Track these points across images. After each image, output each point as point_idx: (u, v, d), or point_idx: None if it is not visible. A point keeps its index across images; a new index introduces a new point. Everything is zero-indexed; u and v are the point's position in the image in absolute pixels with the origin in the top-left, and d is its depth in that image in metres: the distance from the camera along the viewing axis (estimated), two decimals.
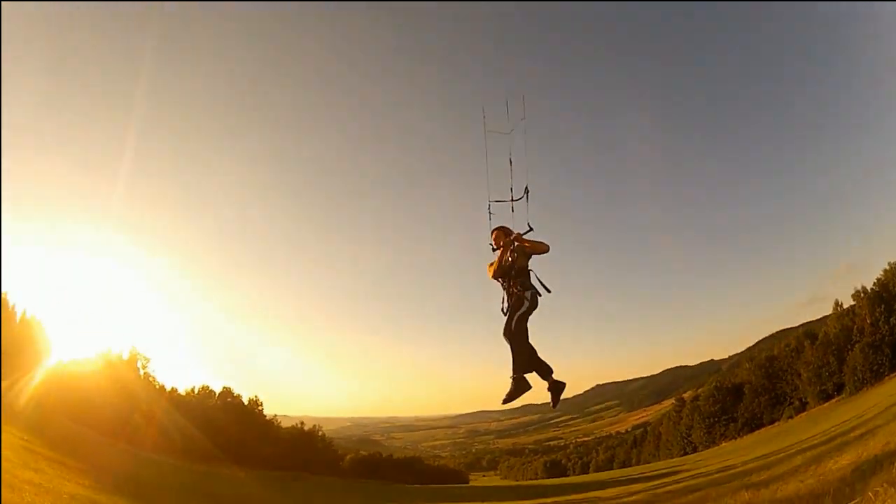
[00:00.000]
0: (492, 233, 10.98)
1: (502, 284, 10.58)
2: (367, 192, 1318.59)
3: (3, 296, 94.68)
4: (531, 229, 10.22)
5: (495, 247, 10.88)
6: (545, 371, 10.68)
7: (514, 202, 10.35)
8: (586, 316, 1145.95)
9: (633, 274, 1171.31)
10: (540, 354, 10.54)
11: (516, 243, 10.43)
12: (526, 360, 10.38)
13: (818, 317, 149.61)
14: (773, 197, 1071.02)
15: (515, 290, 10.43)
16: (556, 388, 10.99)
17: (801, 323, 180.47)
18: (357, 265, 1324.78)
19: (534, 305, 10.47)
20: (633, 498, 26.11)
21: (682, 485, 48.59)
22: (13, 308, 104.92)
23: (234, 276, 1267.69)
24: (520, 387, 10.50)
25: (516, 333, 10.23)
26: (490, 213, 10.68)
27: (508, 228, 10.69)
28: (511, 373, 10.44)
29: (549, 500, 60.47)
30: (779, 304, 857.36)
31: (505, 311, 10.43)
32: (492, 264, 10.65)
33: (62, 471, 30.86)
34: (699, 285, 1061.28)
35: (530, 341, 10.36)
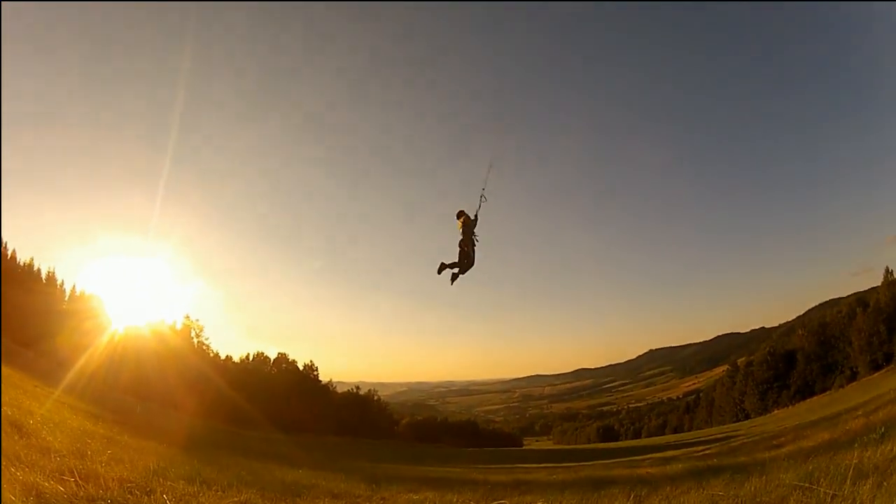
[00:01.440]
0: (458, 214, 19.59)
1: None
2: (418, 153, 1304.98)
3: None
4: (485, 200, 19.33)
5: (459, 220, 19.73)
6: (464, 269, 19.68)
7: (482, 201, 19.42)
8: (639, 280, 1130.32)
9: (686, 240, 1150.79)
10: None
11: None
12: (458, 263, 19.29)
13: (867, 287, 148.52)
14: (825, 166, 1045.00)
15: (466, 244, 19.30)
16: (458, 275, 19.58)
17: (850, 293, 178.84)
18: (412, 232, 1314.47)
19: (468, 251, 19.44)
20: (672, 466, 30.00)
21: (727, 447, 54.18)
22: (62, 284, 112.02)
23: (288, 247, 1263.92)
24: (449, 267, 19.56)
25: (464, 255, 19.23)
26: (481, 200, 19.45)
27: (463, 212, 19.47)
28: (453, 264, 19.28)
29: (599, 462, 62.60)
30: (828, 274, 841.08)
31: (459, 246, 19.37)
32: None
33: (92, 419, 33.06)
34: (749, 252, 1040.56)
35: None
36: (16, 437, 14.20)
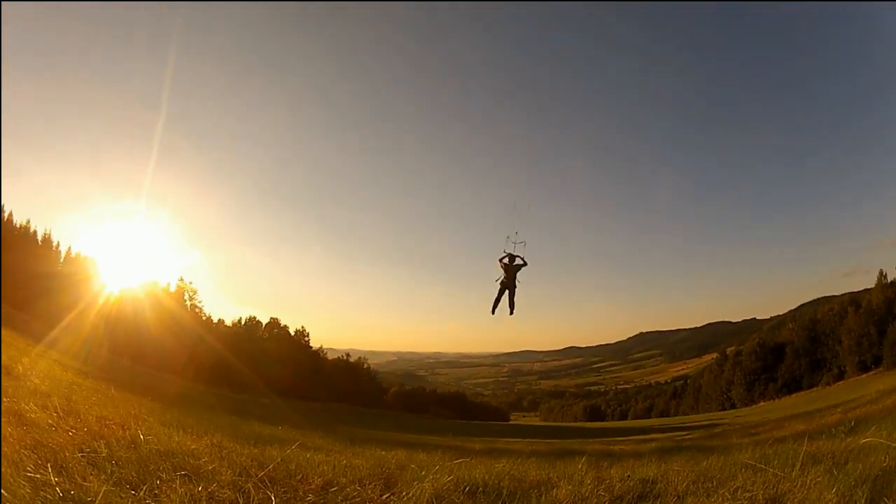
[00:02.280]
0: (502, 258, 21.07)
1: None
2: (410, 125, 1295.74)
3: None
4: (523, 242, 20.92)
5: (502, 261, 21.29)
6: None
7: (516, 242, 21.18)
8: (632, 262, 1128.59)
9: (682, 228, 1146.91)
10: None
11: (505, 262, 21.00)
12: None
13: (859, 288, 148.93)
14: (827, 165, 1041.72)
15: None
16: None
17: (843, 292, 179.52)
18: (403, 200, 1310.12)
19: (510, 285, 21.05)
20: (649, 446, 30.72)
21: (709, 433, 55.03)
22: (57, 246, 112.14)
23: (283, 215, 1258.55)
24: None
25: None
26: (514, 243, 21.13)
27: (511, 254, 21.04)
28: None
29: (580, 439, 64.43)
30: (822, 272, 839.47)
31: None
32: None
33: (82, 376, 33.80)
34: (745, 243, 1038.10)
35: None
36: (6, 379, 14.63)
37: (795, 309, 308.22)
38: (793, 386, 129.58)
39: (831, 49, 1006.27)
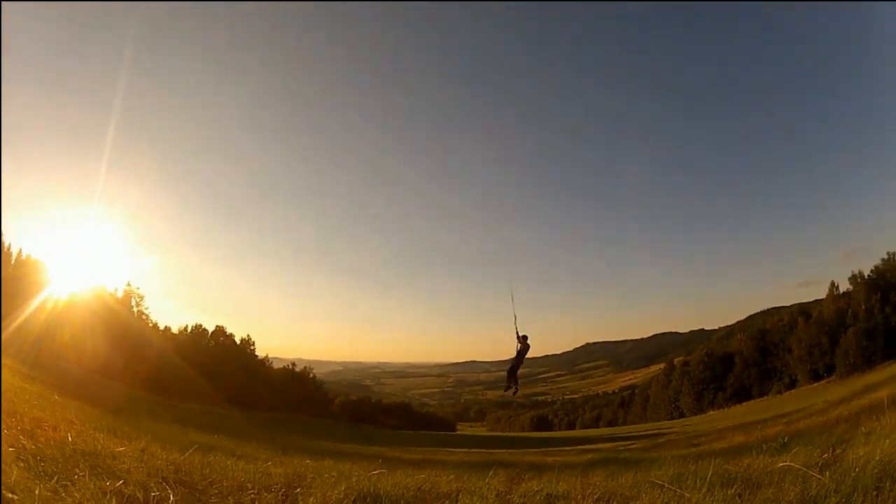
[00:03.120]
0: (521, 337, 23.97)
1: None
2: (368, 135, 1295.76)
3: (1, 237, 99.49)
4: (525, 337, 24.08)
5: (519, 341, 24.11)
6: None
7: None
8: (580, 273, 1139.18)
9: (628, 236, 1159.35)
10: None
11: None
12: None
13: (811, 299, 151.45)
14: (781, 178, 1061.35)
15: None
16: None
17: (793, 303, 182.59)
18: (350, 211, 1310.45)
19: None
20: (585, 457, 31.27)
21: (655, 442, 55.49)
22: (9, 248, 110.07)
23: (228, 221, 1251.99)
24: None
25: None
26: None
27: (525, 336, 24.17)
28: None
29: (520, 450, 64.25)
30: (772, 283, 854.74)
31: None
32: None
33: (28, 380, 33.43)
34: (693, 254, 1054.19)
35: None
36: None
37: (744, 320, 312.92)
38: (742, 395, 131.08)
39: (789, 64, 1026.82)
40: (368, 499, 9.39)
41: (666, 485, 9.24)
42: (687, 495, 8.42)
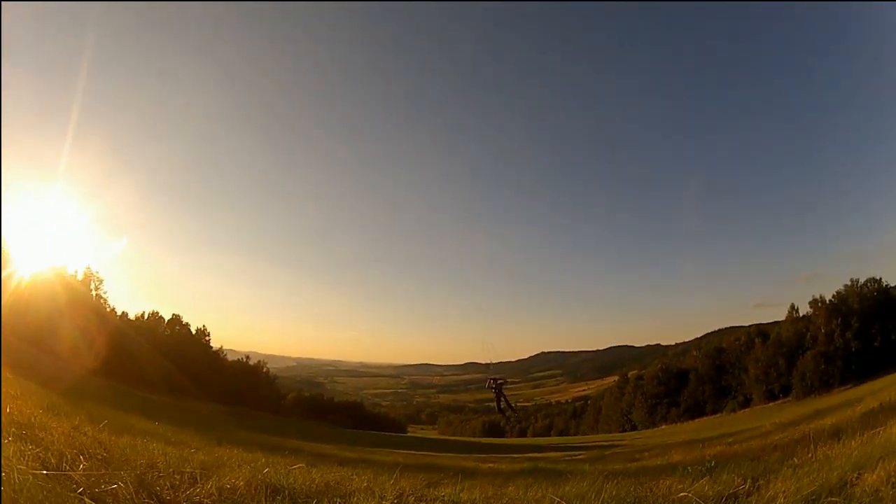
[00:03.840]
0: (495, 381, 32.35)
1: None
2: (332, 129, 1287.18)
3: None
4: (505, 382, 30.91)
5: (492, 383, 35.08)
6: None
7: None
8: (538, 281, 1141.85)
9: (588, 248, 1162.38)
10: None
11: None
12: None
13: (768, 320, 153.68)
14: (744, 199, 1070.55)
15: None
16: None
17: (751, 323, 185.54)
18: (314, 203, 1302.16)
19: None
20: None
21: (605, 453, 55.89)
22: None
23: (192, 209, 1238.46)
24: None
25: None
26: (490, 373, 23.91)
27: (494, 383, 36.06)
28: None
29: (463, 454, 64.49)
30: (729, 302, 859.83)
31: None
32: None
33: None
34: (650, 268, 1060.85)
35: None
36: None
37: (701, 337, 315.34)
38: (696, 411, 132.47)
39: (750, 85, 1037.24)
40: (269, 489, 9.41)
41: (563, 502, 9.22)
42: None
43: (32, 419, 11.55)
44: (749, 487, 10.74)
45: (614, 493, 10.25)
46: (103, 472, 8.97)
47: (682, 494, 10.49)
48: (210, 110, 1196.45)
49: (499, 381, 23.80)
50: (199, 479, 9.67)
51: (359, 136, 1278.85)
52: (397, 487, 10.37)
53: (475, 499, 9.92)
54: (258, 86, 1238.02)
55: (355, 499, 9.35)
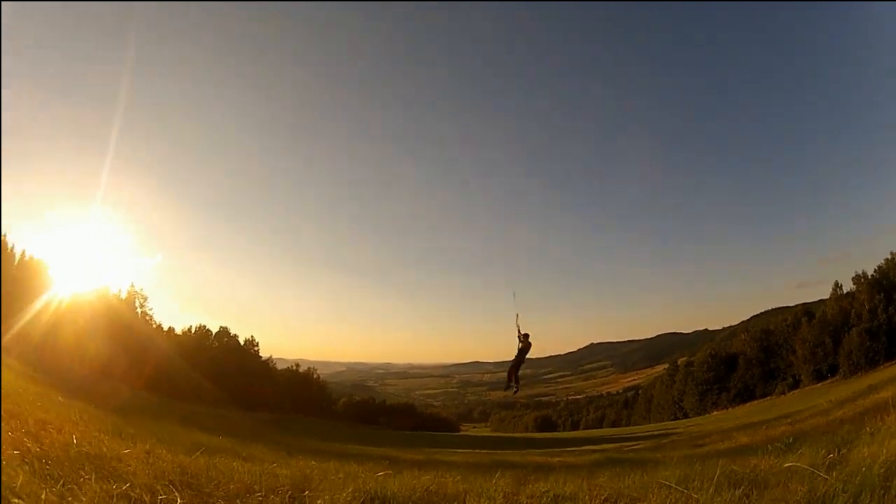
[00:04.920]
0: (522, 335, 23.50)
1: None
2: (372, 133, 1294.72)
3: (3, 238, 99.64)
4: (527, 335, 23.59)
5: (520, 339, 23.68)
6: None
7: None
8: (583, 273, 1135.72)
9: (632, 240, 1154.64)
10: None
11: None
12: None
13: (813, 300, 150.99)
14: (780, 177, 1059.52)
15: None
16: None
17: (796, 303, 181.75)
18: (356, 211, 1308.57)
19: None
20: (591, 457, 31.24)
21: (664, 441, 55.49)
22: (12, 249, 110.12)
23: (231, 222, 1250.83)
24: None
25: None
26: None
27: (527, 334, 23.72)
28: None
29: (522, 450, 64.14)
30: (773, 284, 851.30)
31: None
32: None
33: (30, 380, 34.48)
34: (696, 255, 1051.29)
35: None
36: None
37: (747, 320, 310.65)
38: (746, 395, 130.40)
39: (789, 64, 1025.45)
40: (377, 501, 9.34)
41: (673, 486, 9.23)
42: (695, 496, 8.40)
43: (103, 448, 11.15)
44: (834, 457, 10.77)
45: (718, 472, 10.01)
46: None
47: (788, 465, 10.49)
48: (247, 127, 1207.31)
49: (526, 336, 21.93)
50: (295, 497, 9.53)
51: (400, 141, 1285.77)
52: (499, 487, 10.40)
53: (576, 491, 9.92)
54: (295, 99, 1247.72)
55: (469, 502, 9.40)
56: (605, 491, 9.58)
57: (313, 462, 17.78)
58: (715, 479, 9.34)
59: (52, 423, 13.44)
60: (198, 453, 13.83)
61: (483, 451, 59.84)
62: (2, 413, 12.40)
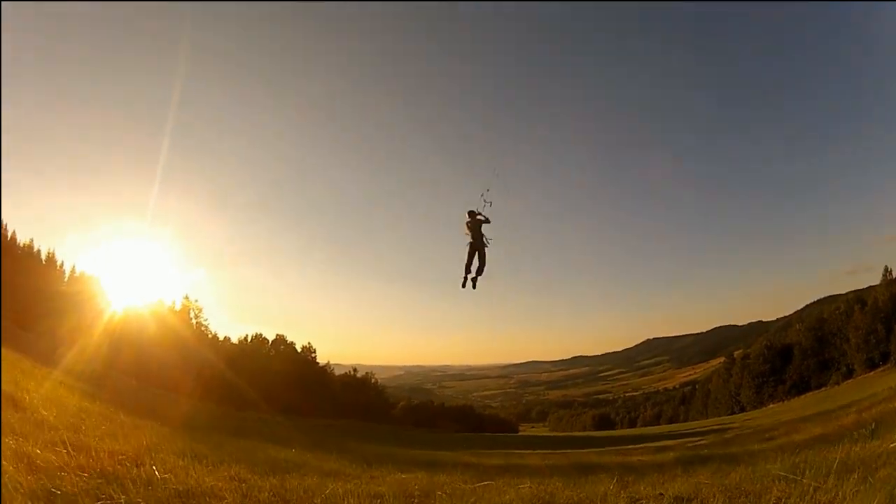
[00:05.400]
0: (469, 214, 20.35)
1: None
2: (420, 140, 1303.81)
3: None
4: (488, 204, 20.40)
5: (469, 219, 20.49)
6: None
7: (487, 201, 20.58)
8: (638, 271, 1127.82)
9: (684, 234, 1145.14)
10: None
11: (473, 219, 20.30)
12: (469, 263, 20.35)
13: (865, 285, 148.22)
14: (824, 165, 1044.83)
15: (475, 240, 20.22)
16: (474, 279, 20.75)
17: (848, 290, 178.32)
18: (405, 214, 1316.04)
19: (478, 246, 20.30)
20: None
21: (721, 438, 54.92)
22: (62, 266, 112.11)
23: (284, 232, 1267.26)
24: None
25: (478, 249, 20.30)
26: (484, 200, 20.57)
27: (472, 210, 20.33)
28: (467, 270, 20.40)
29: (592, 450, 63.64)
30: (826, 271, 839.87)
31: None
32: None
33: (89, 398, 32.97)
34: (748, 248, 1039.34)
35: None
36: (12, 412, 14.26)
37: (801, 310, 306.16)
38: (802, 386, 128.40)
39: (830, 48, 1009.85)
40: None
41: (790, 476, 9.21)
42: (816, 484, 8.42)
43: (190, 480, 10.27)
44: None
45: (821, 461, 10.12)
46: None
47: (893, 445, 10.53)
48: (300, 136, 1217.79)
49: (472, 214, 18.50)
50: None
51: (454, 140, 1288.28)
52: (610, 492, 10.28)
53: (691, 490, 9.77)
54: (346, 112, 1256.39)
55: None
56: (720, 488, 9.51)
57: (401, 474, 16.29)
58: (834, 467, 9.29)
59: (125, 454, 12.25)
60: (278, 471, 13.83)
61: (550, 451, 59.47)
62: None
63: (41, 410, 16.54)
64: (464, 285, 20.12)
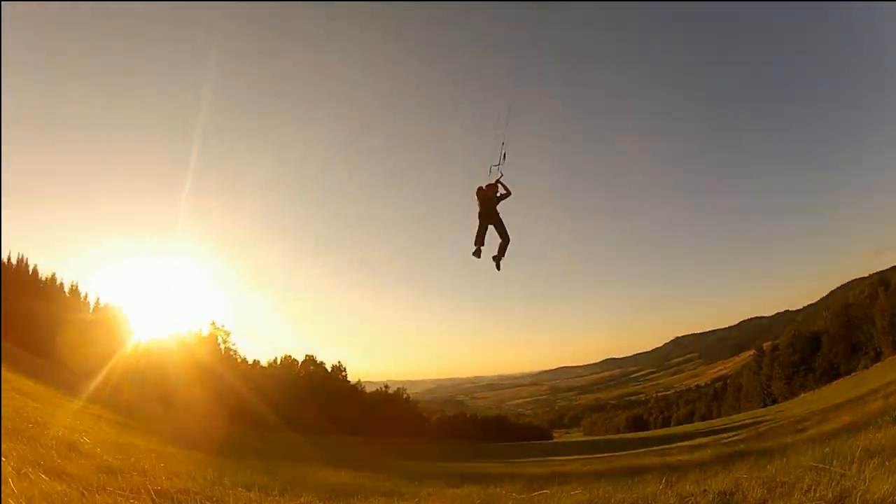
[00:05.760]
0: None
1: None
2: (446, 154, 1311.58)
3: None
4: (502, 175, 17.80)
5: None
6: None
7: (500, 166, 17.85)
8: (663, 268, 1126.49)
9: (706, 228, 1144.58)
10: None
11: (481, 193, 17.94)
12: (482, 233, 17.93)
13: (888, 266, 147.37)
14: (842, 150, 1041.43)
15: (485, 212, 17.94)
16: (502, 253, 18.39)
17: (871, 272, 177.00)
18: (436, 233, 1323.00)
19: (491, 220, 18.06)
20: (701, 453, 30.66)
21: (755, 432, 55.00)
22: (85, 297, 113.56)
23: (315, 249, 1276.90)
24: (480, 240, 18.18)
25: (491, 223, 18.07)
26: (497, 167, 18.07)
27: (481, 187, 17.96)
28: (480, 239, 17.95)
29: (630, 452, 63.54)
30: (847, 254, 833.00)
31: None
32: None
33: (126, 430, 33.34)
34: (770, 237, 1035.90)
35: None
36: (74, 457, 14.19)
37: (827, 296, 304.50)
38: (832, 373, 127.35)
39: (850, 38, 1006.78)
40: None
41: (820, 465, 9.86)
42: (841, 471, 9.02)
43: None
44: None
45: (846, 449, 10.83)
46: None
47: None
48: (320, 153, 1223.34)
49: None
50: None
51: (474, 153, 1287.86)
52: (659, 492, 10.66)
53: (732, 486, 10.23)
54: (366, 123, 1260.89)
55: None
56: (757, 481, 10.06)
57: (453, 489, 16.55)
58: (856, 454, 9.97)
59: (196, 492, 12.01)
60: (352, 498, 13.77)
61: (588, 456, 59.79)
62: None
63: (103, 455, 16.28)
64: (476, 255, 17.78)
